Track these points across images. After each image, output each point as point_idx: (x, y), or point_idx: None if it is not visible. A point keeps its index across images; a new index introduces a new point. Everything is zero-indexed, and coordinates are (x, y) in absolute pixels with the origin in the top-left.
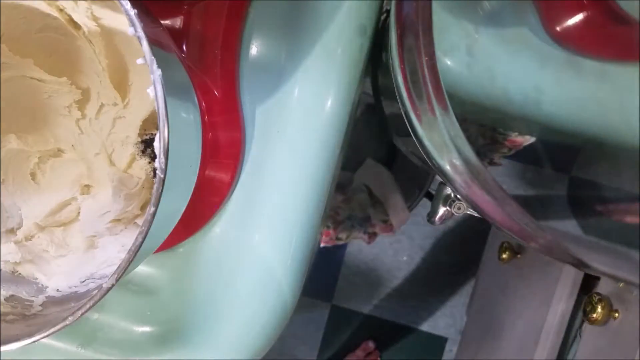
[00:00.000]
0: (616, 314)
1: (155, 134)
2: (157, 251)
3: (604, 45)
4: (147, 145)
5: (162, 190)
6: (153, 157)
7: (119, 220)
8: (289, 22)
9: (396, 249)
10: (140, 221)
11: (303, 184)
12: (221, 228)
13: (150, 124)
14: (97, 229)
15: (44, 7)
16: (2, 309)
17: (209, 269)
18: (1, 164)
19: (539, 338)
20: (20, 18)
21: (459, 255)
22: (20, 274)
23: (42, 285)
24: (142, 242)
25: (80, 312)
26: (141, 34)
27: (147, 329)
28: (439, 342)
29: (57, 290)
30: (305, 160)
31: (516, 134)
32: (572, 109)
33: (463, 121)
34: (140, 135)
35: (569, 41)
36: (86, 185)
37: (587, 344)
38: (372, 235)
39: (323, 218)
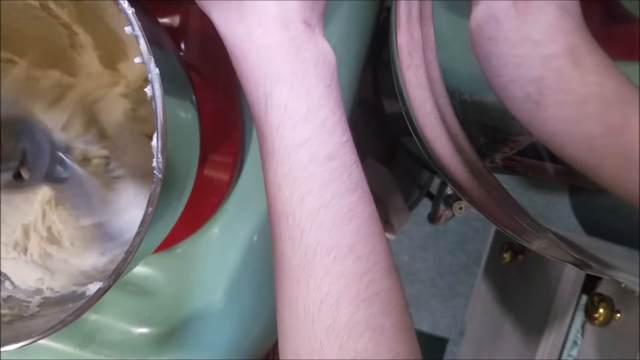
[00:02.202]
0: (618, 315)
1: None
2: (155, 252)
3: (604, 44)
4: None
5: (159, 190)
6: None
7: None
8: None
9: (397, 249)
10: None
11: None
12: (220, 228)
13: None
14: None
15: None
16: (1, 311)
17: (207, 270)
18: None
19: (540, 338)
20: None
21: (460, 256)
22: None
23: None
24: (139, 243)
25: (78, 313)
26: (139, 32)
27: (145, 329)
28: (440, 343)
29: (54, 290)
30: None
31: (517, 133)
32: None
33: (464, 120)
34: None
35: None
36: None
37: (589, 345)
38: None
39: None
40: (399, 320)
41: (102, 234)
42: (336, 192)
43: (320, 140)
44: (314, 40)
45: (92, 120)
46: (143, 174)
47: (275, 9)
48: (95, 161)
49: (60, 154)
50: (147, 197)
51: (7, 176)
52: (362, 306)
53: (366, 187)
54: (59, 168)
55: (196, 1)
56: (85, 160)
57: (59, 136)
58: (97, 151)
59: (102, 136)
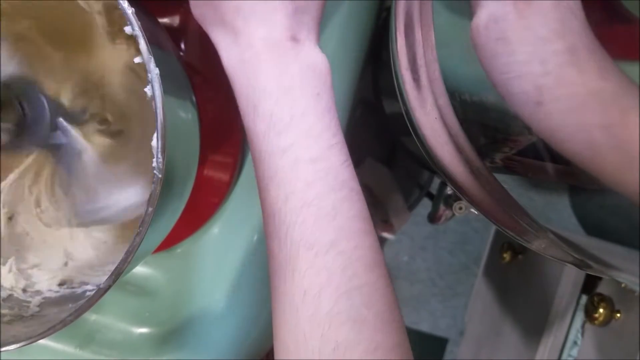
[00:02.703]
0: (618, 314)
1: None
2: (155, 252)
3: (604, 44)
4: None
5: (160, 190)
6: None
7: None
8: None
9: (396, 249)
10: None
11: None
12: (220, 228)
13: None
14: None
15: None
16: (1, 311)
17: (207, 270)
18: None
19: (540, 338)
20: None
21: (460, 256)
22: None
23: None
24: (139, 243)
25: (78, 313)
26: (138, 32)
27: (145, 330)
28: (439, 343)
29: (54, 290)
30: None
31: (517, 133)
32: None
33: (464, 120)
34: None
35: None
36: None
37: (589, 345)
38: None
39: None
40: (384, 313)
41: (92, 209)
42: (319, 192)
43: (304, 145)
44: (301, 56)
45: (97, 91)
46: (144, 153)
47: (263, 32)
48: (96, 135)
49: (62, 119)
50: (146, 176)
51: (4, 138)
52: (343, 298)
53: (354, 186)
54: (57, 134)
55: (199, 22)
56: (85, 135)
57: (61, 103)
58: (97, 126)
59: (105, 108)
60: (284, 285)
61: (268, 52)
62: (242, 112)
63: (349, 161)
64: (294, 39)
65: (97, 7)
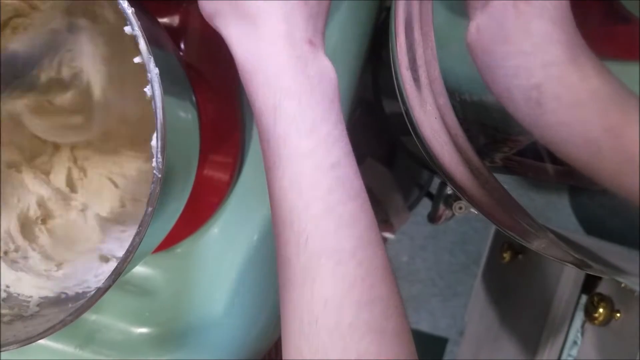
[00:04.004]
0: (618, 314)
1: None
2: (155, 251)
3: (604, 44)
4: None
5: (159, 190)
6: None
7: None
8: None
9: (397, 249)
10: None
11: None
12: (220, 228)
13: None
14: None
15: None
16: (1, 311)
17: (207, 270)
18: None
19: (540, 338)
20: None
21: (460, 256)
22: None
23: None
24: (139, 243)
25: (78, 313)
26: (138, 32)
27: (145, 329)
28: (439, 343)
29: (54, 290)
30: None
31: (517, 133)
32: None
33: (464, 120)
34: None
35: None
36: None
37: (589, 344)
38: None
39: None
40: (399, 323)
41: None
42: (340, 199)
43: (324, 150)
44: (317, 59)
45: None
46: None
47: (284, 29)
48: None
49: None
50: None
51: None
52: (365, 309)
53: (366, 197)
54: None
55: (208, 20)
56: None
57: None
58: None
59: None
60: (299, 294)
61: (288, 51)
62: (257, 111)
63: (359, 172)
64: (311, 42)
65: None
